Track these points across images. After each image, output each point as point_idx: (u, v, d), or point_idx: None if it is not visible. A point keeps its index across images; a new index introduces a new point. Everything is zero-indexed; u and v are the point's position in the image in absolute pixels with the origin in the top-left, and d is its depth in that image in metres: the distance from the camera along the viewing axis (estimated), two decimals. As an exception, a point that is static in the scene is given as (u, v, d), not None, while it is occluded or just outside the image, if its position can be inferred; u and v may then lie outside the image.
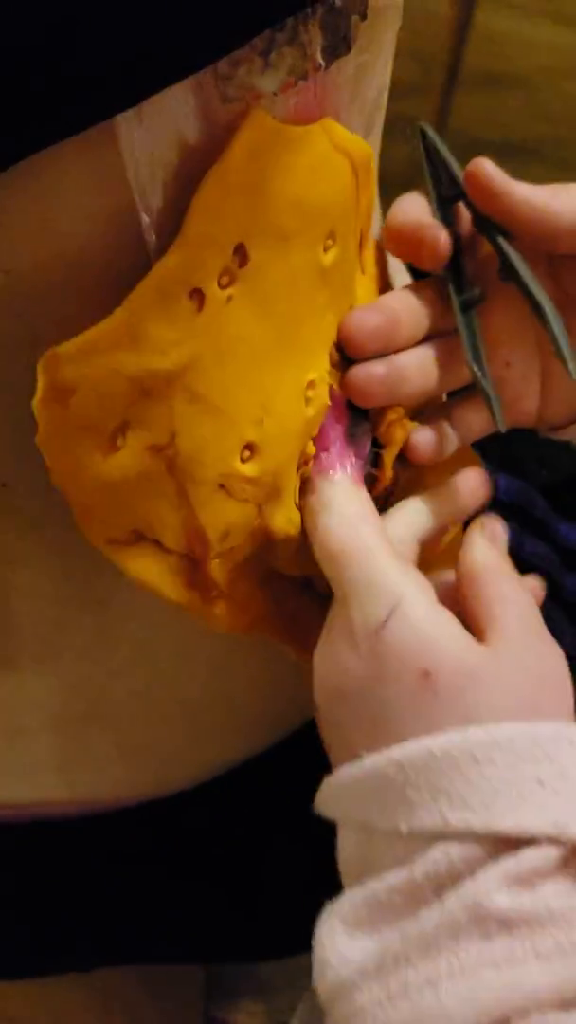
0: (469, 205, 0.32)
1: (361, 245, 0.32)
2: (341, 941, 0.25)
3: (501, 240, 0.31)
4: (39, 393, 0.24)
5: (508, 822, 0.24)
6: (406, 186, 0.40)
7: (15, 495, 0.30)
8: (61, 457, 0.25)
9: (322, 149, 0.27)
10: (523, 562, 0.46)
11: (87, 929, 0.44)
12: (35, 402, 0.24)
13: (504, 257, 0.31)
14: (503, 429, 0.32)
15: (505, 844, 0.24)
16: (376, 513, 0.30)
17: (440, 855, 0.24)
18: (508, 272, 0.31)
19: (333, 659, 0.28)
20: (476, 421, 0.33)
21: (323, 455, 0.30)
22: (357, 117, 0.29)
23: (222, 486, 0.28)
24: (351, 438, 0.31)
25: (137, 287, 0.24)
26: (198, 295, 0.25)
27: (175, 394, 0.26)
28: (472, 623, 0.29)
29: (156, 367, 0.25)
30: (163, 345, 0.25)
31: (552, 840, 0.24)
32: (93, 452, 0.26)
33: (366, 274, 0.33)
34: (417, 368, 0.31)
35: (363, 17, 0.27)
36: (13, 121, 0.21)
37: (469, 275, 0.33)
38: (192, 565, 0.29)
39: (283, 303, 0.27)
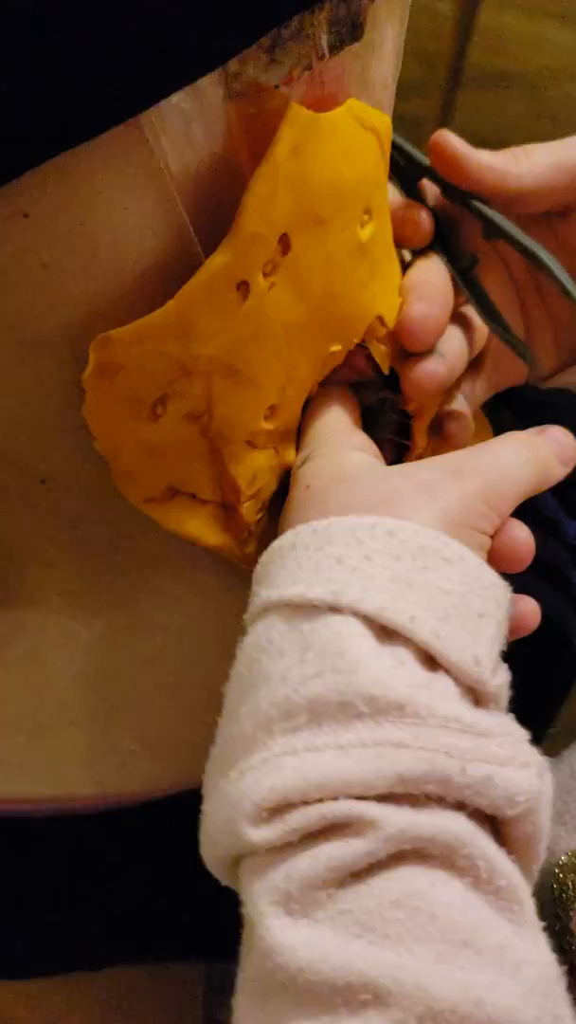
0: (436, 179, 0.33)
1: None
2: (234, 704, 0.26)
3: (476, 203, 0.32)
4: (89, 369, 0.26)
5: (292, 590, 0.25)
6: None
7: (55, 493, 0.31)
8: (106, 426, 0.27)
9: (351, 130, 0.28)
10: (534, 560, 0.46)
11: (103, 925, 0.44)
12: (85, 376, 0.26)
13: (484, 218, 0.32)
14: (541, 373, 0.33)
15: (299, 617, 0.25)
16: (347, 406, 0.33)
17: (255, 632, 0.26)
18: (492, 231, 0.32)
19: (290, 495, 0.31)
20: (479, 387, 0.35)
21: None
22: (368, 98, 0.29)
23: (249, 442, 0.30)
24: (370, 409, 0.33)
25: (188, 283, 0.25)
26: (244, 287, 0.26)
27: (214, 370, 0.28)
28: None
29: (199, 352, 0.27)
30: (209, 334, 0.26)
31: (340, 610, 0.24)
32: (135, 421, 0.27)
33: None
34: (459, 354, 0.32)
35: None
36: (40, 119, 0.21)
37: (455, 244, 0.34)
38: (226, 512, 0.32)
39: (320, 283, 0.29)
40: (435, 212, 0.34)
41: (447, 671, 0.24)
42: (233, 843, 0.24)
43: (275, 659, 0.24)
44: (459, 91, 1.25)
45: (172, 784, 0.39)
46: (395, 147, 0.33)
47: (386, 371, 0.32)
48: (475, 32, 1.23)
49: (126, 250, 0.25)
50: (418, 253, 0.34)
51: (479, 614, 0.25)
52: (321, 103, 0.27)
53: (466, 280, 0.33)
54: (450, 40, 1.24)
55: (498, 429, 0.39)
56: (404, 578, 0.25)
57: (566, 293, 0.31)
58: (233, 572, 0.34)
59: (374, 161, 0.29)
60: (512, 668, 0.47)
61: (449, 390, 0.34)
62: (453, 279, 0.33)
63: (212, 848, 0.25)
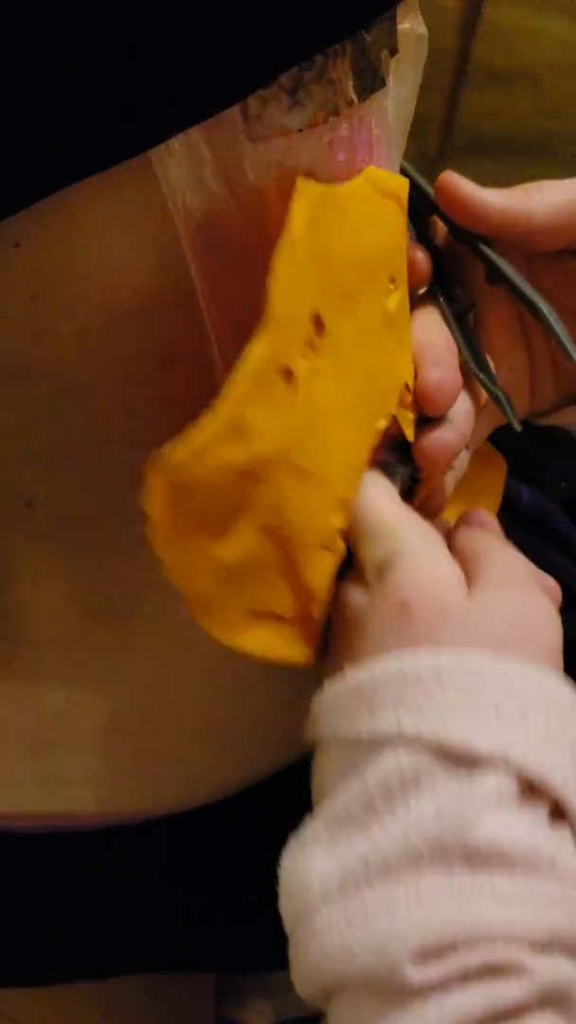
0: (443, 217, 0.32)
1: None
2: (301, 865, 0.26)
3: (482, 247, 0.32)
4: (153, 499, 0.25)
5: (455, 734, 0.25)
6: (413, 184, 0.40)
7: (40, 515, 0.30)
8: (176, 553, 0.26)
9: (370, 199, 0.27)
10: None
11: (104, 940, 0.44)
12: (149, 508, 0.25)
13: (488, 262, 0.32)
14: (518, 427, 0.32)
15: (455, 763, 0.25)
16: (385, 479, 0.31)
17: (391, 760, 0.25)
18: (495, 276, 0.32)
19: (341, 596, 0.30)
20: (481, 425, 0.34)
21: None
22: (394, 150, 0.29)
23: (325, 547, 0.29)
24: (388, 470, 0.32)
25: (232, 379, 0.25)
26: (287, 373, 0.26)
27: (280, 472, 0.27)
28: (463, 571, 0.30)
29: (261, 452, 0.26)
30: (265, 430, 0.25)
31: (498, 766, 0.25)
32: (209, 543, 0.26)
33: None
34: (467, 415, 0.32)
35: (392, 52, 0.26)
36: (39, 156, 0.21)
37: (455, 285, 0.33)
38: (306, 624, 0.30)
39: (359, 359, 0.28)
40: (440, 250, 0.33)
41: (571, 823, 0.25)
42: (378, 978, 0.24)
43: (425, 795, 0.25)
44: (463, 87, 1.24)
45: (172, 803, 0.39)
46: (408, 180, 0.32)
47: (411, 438, 0.31)
48: (480, 27, 1.21)
49: (118, 285, 0.25)
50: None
51: None
52: (351, 150, 0.27)
53: (460, 324, 0.33)
54: (454, 36, 1.23)
55: (499, 436, 0.38)
56: (554, 737, 0.26)
57: (562, 346, 0.31)
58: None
59: (395, 227, 0.29)
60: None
61: None
62: (447, 321, 0.33)
63: (316, 974, 0.25)
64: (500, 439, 0.39)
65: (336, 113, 0.25)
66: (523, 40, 1.32)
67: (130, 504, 0.30)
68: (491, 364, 0.33)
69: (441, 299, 0.33)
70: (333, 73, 0.25)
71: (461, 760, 0.25)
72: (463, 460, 0.34)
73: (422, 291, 0.33)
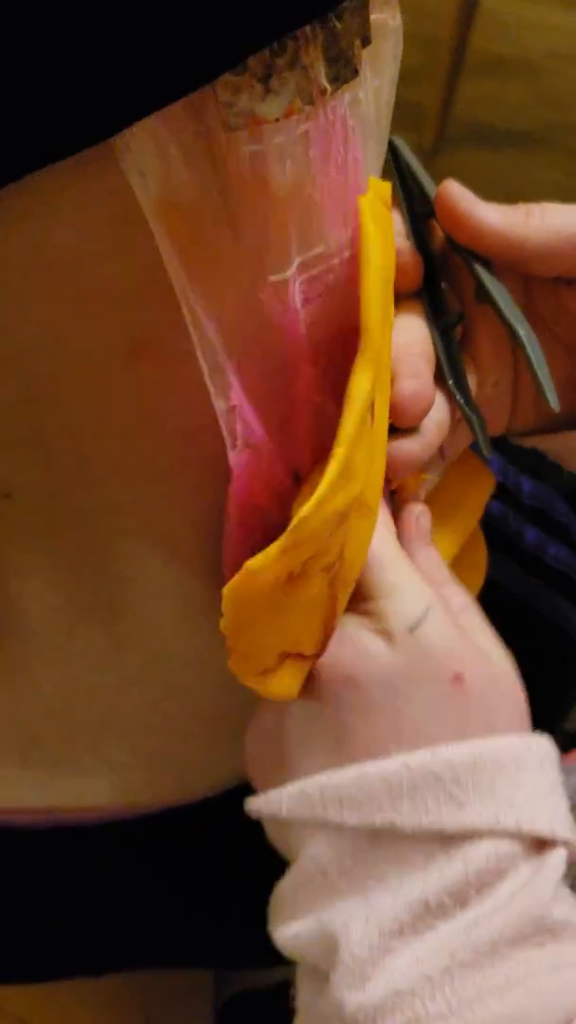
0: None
1: None
2: (383, 954, 0.25)
3: (476, 265, 0.30)
4: (268, 562, 0.23)
5: (542, 824, 0.26)
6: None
7: (19, 507, 0.30)
8: (248, 609, 0.24)
9: (384, 216, 0.26)
10: (546, 567, 0.45)
11: (102, 935, 0.44)
12: (257, 564, 0.23)
13: (478, 281, 0.30)
14: (488, 454, 0.31)
15: (531, 844, 0.26)
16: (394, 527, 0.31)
17: (491, 850, 0.25)
18: (483, 296, 0.31)
19: (356, 645, 0.28)
20: (460, 438, 0.33)
21: None
22: (372, 141, 0.28)
23: (358, 581, 0.28)
24: None
25: (345, 422, 0.23)
26: (372, 408, 0.24)
27: (353, 510, 0.25)
28: None
29: (356, 494, 0.24)
30: (359, 469, 0.24)
31: (565, 842, 0.26)
32: (277, 591, 0.25)
33: None
34: (438, 426, 0.31)
35: (365, 42, 0.26)
36: (5, 141, 0.20)
37: (447, 294, 0.32)
38: (316, 658, 0.29)
39: (384, 377, 0.27)
40: (435, 255, 0.32)
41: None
42: None
43: (511, 880, 0.26)
44: (461, 77, 1.24)
45: (169, 797, 0.39)
46: (413, 178, 0.32)
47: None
48: (477, 16, 1.21)
49: (84, 274, 0.24)
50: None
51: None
52: (327, 141, 0.26)
53: (444, 337, 0.31)
54: (452, 25, 1.22)
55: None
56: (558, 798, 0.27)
57: (536, 379, 0.29)
58: (196, 603, 0.33)
59: (393, 240, 0.28)
60: (523, 675, 0.47)
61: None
62: (430, 329, 0.31)
63: None
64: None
65: (311, 102, 0.25)
66: (522, 30, 1.31)
67: (106, 496, 0.30)
68: (471, 380, 0.32)
69: (428, 306, 0.32)
70: (306, 59, 0.24)
71: (541, 844, 0.26)
72: (437, 472, 0.33)
73: (409, 293, 0.32)
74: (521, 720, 0.28)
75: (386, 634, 0.27)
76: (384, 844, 0.26)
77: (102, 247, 0.24)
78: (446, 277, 0.32)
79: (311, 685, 0.28)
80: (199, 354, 0.26)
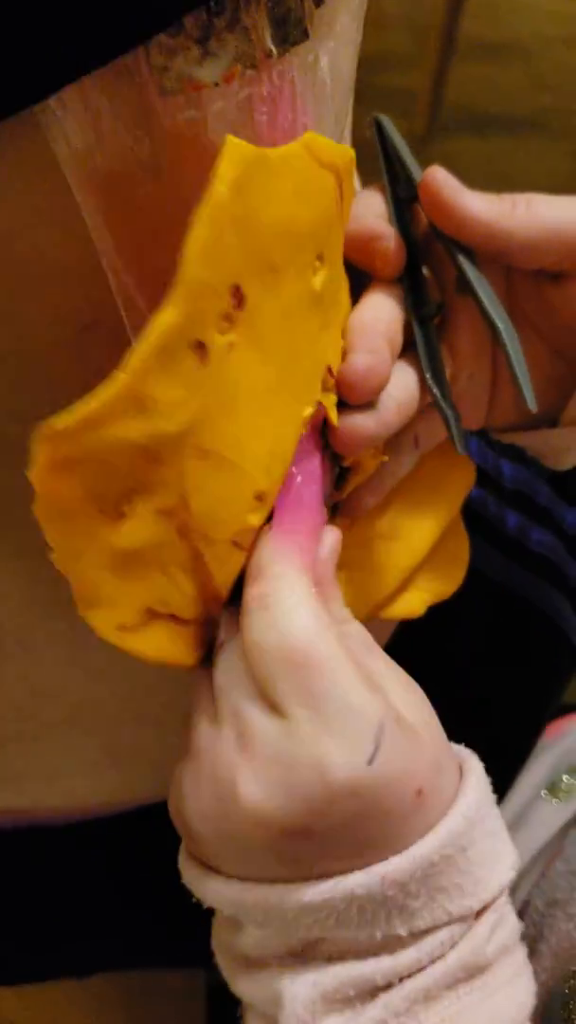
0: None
1: None
2: (322, 1016, 0.25)
3: (459, 255, 0.29)
4: (37, 469, 0.22)
5: (494, 888, 0.25)
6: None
7: None
8: (64, 533, 0.23)
9: (305, 168, 0.25)
10: (529, 552, 0.44)
11: (84, 935, 0.43)
12: (32, 477, 0.22)
13: (460, 271, 0.29)
14: (461, 451, 0.30)
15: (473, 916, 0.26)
16: (323, 606, 0.26)
17: (445, 936, 0.25)
18: (464, 287, 0.29)
19: (293, 797, 0.24)
20: (436, 428, 0.32)
21: (285, 513, 0.28)
22: (325, 108, 0.27)
23: (236, 543, 0.26)
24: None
25: (136, 349, 0.22)
26: (200, 347, 0.23)
27: (185, 453, 0.24)
28: None
29: (163, 431, 0.23)
30: (170, 406, 0.23)
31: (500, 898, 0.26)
32: (99, 524, 0.23)
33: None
34: (399, 406, 0.29)
35: (318, 2, 0.25)
36: None
37: (428, 283, 0.31)
38: (205, 628, 0.28)
39: (282, 339, 0.26)
40: (417, 242, 0.31)
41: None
42: None
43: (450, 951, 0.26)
44: (452, 62, 1.22)
45: (142, 795, 0.38)
46: (398, 160, 0.30)
47: (335, 422, 0.29)
48: (467, 1, 1.19)
49: (24, 249, 0.23)
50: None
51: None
52: (272, 108, 0.25)
53: (423, 330, 0.30)
54: (441, 9, 1.21)
55: None
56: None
57: (514, 377, 0.28)
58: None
59: (329, 202, 0.27)
60: (509, 664, 0.46)
61: (395, 450, 0.32)
62: (409, 323, 0.30)
63: None
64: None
65: (253, 66, 0.23)
66: (513, 13, 1.30)
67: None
68: (447, 373, 0.30)
69: (408, 294, 0.30)
70: (247, 20, 0.23)
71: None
72: (409, 460, 0.32)
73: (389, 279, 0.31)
74: (452, 767, 0.26)
75: (346, 783, 0.23)
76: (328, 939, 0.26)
77: (41, 222, 0.23)
78: (429, 264, 0.31)
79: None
80: (128, 329, 0.25)
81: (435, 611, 0.38)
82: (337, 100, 0.28)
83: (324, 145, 0.26)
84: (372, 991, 0.25)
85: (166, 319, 0.22)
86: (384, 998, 0.25)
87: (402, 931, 0.24)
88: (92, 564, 0.24)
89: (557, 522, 0.44)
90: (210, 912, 0.30)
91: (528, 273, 0.30)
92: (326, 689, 0.24)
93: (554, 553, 0.43)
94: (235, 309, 0.24)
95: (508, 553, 0.43)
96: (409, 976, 0.25)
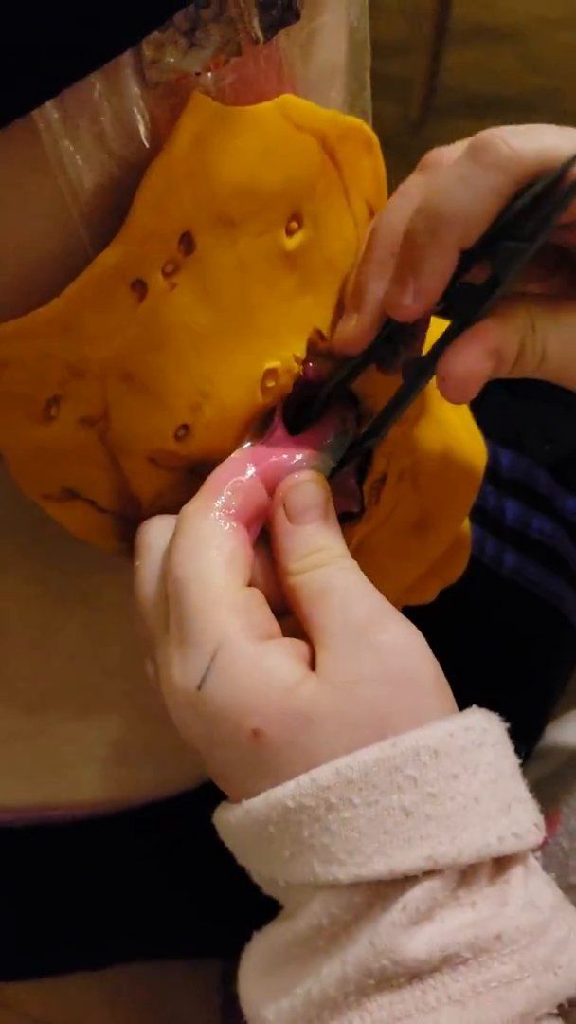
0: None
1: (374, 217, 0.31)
2: (257, 996, 0.24)
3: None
4: None
5: (378, 867, 0.22)
6: (398, 147, 0.38)
7: None
8: None
9: (275, 128, 0.25)
10: (529, 540, 0.44)
11: (96, 929, 0.43)
12: None
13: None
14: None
15: (388, 884, 0.23)
16: (246, 545, 0.26)
17: (320, 908, 0.23)
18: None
19: (172, 714, 0.25)
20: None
21: (224, 468, 0.28)
22: (322, 87, 0.27)
23: (152, 460, 0.28)
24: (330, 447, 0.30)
25: (76, 280, 0.24)
26: (140, 286, 0.25)
27: (108, 374, 0.26)
28: (307, 636, 0.26)
29: (88, 354, 0.25)
30: (98, 335, 0.25)
31: (430, 873, 0.22)
32: (27, 420, 0.26)
33: None
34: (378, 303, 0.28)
35: None
36: None
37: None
38: (125, 522, 0.30)
39: (232, 289, 0.27)
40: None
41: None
42: None
43: (360, 931, 0.23)
44: (446, 47, 1.21)
45: (148, 791, 0.38)
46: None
47: (326, 379, 0.29)
48: (461, -16, 1.19)
49: (14, 245, 0.23)
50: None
51: (512, 774, 0.24)
52: (257, 91, 0.25)
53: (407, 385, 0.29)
54: (435, -6, 1.20)
55: (478, 397, 0.36)
56: (481, 787, 0.23)
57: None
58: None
59: (309, 166, 0.27)
60: (513, 652, 0.46)
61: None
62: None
63: None
64: (481, 403, 0.37)
65: (238, 53, 0.24)
66: (506, -5, 1.29)
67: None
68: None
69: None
70: (234, 10, 0.23)
71: (389, 885, 0.23)
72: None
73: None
74: (358, 741, 0.23)
75: (177, 699, 0.25)
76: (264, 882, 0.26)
77: (29, 223, 0.23)
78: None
79: None
80: None
81: (436, 601, 0.38)
82: (328, 85, 0.28)
83: (303, 108, 0.26)
84: (283, 973, 0.24)
85: (106, 259, 0.24)
86: (293, 991, 0.23)
87: (279, 879, 0.24)
88: (22, 450, 0.27)
89: (557, 509, 0.44)
90: (221, 903, 0.30)
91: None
92: (182, 609, 0.25)
93: (555, 540, 0.43)
94: (183, 255, 0.25)
95: (508, 541, 0.43)
96: (305, 963, 0.23)
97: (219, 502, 0.26)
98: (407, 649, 0.25)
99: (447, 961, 0.22)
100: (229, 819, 0.25)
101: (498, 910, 0.23)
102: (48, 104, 0.21)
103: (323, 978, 0.23)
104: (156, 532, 0.27)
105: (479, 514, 0.43)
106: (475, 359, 0.26)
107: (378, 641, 0.24)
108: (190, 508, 0.27)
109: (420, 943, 0.22)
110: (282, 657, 0.24)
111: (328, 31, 0.26)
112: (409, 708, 0.24)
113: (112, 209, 0.24)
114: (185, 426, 0.28)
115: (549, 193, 0.24)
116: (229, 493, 0.27)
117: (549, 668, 0.46)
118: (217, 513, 0.26)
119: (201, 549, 0.25)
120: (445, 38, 1.23)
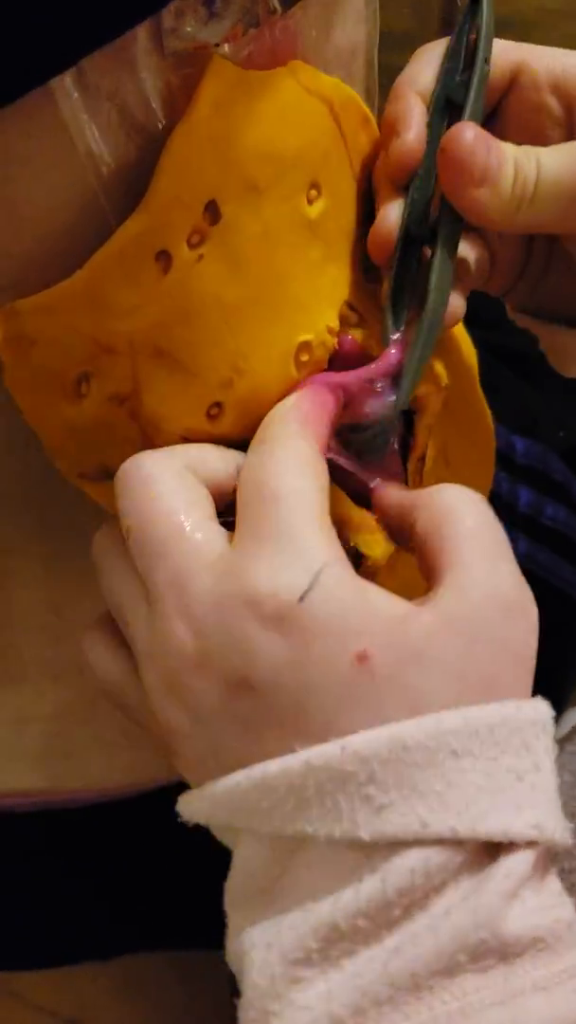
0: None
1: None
2: (288, 985, 0.21)
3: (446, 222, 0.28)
4: (2, 346, 0.25)
5: (492, 825, 0.21)
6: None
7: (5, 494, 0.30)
8: (29, 400, 0.26)
9: (291, 93, 0.25)
10: (543, 527, 0.44)
11: (104, 917, 0.43)
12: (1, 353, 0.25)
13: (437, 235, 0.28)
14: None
15: (493, 848, 0.21)
16: (326, 474, 0.25)
17: (417, 863, 0.21)
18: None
19: (242, 645, 0.22)
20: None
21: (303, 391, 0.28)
22: (334, 64, 0.27)
23: (185, 438, 0.27)
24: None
25: (99, 251, 0.24)
26: (165, 257, 0.24)
27: (139, 350, 0.25)
28: (425, 568, 0.24)
29: (117, 329, 0.25)
30: (124, 309, 0.24)
31: (531, 844, 0.21)
32: (58, 398, 0.26)
33: None
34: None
35: None
36: None
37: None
38: None
39: (260, 259, 0.26)
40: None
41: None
42: None
43: (448, 895, 0.21)
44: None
45: (160, 776, 0.38)
46: (468, 52, 0.30)
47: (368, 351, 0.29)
48: (467, -24, 1.18)
49: (39, 218, 0.23)
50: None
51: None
52: (273, 65, 0.25)
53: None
54: (442, -15, 1.19)
55: (493, 383, 0.37)
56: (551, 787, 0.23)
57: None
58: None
59: (323, 132, 0.27)
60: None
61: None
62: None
63: None
64: (495, 389, 0.37)
65: (256, 24, 0.24)
66: (513, -13, 1.28)
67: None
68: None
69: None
70: None
71: (489, 849, 0.21)
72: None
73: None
74: (466, 693, 0.22)
75: (273, 617, 0.22)
76: (305, 854, 0.22)
77: (52, 195, 0.23)
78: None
79: (201, 689, 0.23)
80: None
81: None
82: (345, 66, 0.28)
83: (311, 72, 0.26)
84: (340, 942, 0.21)
85: (129, 229, 0.24)
86: (352, 967, 0.21)
87: (365, 833, 0.21)
88: (55, 428, 0.27)
89: (571, 496, 0.44)
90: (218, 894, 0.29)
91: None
92: (277, 523, 0.23)
93: (568, 527, 0.43)
94: (209, 224, 0.25)
95: (521, 528, 0.43)
96: (375, 933, 0.21)
97: (318, 431, 0.26)
98: (528, 621, 0.24)
99: (534, 944, 0.21)
100: (305, 758, 0.21)
101: (565, 898, 0.22)
102: (66, 74, 0.21)
103: (403, 954, 0.21)
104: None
105: (493, 500, 0.43)
106: (477, 134, 0.27)
107: (516, 591, 0.24)
108: (290, 429, 0.25)
109: (516, 920, 0.21)
110: (383, 593, 0.23)
111: (344, 10, 0.26)
112: (518, 680, 0.23)
113: (133, 180, 0.24)
114: (218, 404, 0.27)
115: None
116: (323, 428, 0.26)
117: (560, 655, 0.46)
118: (312, 442, 0.25)
119: (306, 470, 0.24)
120: (451, 29, 1.23)
